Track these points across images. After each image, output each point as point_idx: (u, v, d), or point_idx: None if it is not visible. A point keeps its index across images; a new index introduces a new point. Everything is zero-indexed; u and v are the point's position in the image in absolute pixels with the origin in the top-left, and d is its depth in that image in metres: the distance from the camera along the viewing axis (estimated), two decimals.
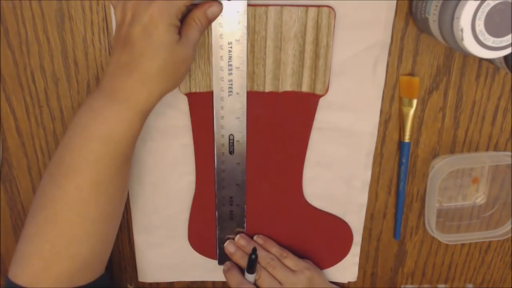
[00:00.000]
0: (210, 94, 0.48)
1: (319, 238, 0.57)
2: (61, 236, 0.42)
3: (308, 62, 0.47)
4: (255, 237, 0.56)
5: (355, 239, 0.57)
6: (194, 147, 0.51)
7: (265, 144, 0.51)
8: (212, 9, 0.42)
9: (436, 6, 0.40)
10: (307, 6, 0.45)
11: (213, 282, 0.61)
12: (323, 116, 0.51)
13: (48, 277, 0.43)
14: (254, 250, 0.52)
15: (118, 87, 0.40)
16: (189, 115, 0.50)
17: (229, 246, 0.56)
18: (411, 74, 0.50)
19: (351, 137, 0.52)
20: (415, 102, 0.50)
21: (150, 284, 0.60)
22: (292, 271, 0.54)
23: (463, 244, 0.60)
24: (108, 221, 0.45)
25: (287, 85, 0.48)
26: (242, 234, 0.56)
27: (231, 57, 0.46)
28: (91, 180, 0.42)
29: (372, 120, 0.51)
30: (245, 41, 0.45)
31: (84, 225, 0.43)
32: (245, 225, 0.55)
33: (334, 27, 0.46)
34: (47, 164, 0.52)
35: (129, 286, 0.60)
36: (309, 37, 0.46)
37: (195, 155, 0.52)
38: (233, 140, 0.50)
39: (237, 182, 0.53)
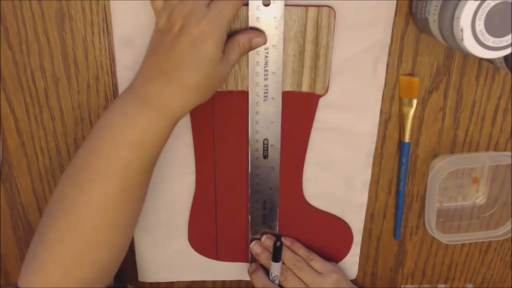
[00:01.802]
0: None
1: (319, 238, 0.57)
2: (84, 244, 0.41)
3: (308, 62, 0.47)
4: (282, 239, 0.55)
5: (355, 239, 0.57)
6: (194, 147, 0.51)
7: None
8: (258, 39, 0.44)
9: (436, 6, 0.40)
10: (307, 6, 0.45)
11: (213, 282, 0.61)
12: (323, 116, 0.51)
13: (67, 285, 0.41)
14: (279, 237, 0.52)
15: (154, 94, 0.40)
16: (189, 115, 0.50)
17: (255, 247, 0.55)
18: (411, 74, 0.50)
19: (351, 137, 0.52)
20: (415, 102, 0.50)
21: (150, 284, 0.60)
22: (319, 273, 0.54)
23: (463, 244, 0.60)
24: (130, 227, 0.45)
25: (287, 85, 0.48)
26: (269, 235, 0.56)
27: (267, 62, 0.46)
28: (119, 187, 0.41)
29: (372, 120, 0.51)
30: (281, 46, 0.46)
31: (109, 232, 0.42)
32: (277, 228, 0.56)
33: (334, 27, 0.46)
34: (47, 164, 0.52)
35: (129, 286, 0.60)
36: (309, 37, 0.46)
37: (195, 155, 0.52)
38: (267, 144, 0.50)
39: (270, 186, 0.53)
